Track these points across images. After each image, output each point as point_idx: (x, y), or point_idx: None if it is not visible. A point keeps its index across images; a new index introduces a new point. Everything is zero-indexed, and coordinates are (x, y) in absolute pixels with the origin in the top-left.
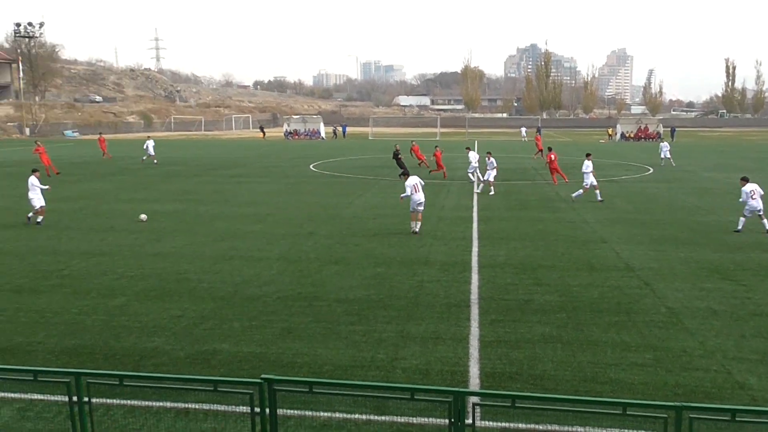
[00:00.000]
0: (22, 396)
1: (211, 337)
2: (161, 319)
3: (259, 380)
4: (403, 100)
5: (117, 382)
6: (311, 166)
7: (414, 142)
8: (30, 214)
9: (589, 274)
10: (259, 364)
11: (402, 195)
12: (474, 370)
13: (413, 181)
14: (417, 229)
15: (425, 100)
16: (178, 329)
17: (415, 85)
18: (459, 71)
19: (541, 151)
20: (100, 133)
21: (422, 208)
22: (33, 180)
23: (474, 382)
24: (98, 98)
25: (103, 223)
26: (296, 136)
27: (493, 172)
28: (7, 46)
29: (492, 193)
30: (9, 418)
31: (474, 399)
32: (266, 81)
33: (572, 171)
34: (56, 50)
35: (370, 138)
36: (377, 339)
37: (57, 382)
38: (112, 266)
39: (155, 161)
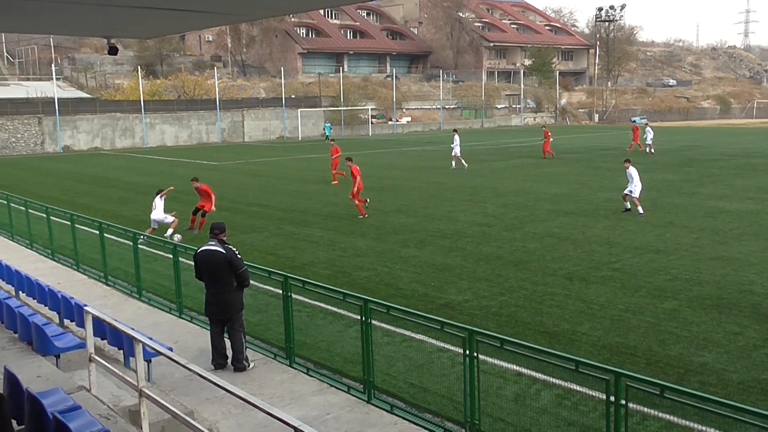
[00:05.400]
0: (562, 383)
1: None
2: (714, 333)
3: None
4: None
5: (657, 392)
6: None
7: None
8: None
9: None
10: None
11: None
12: None
13: None
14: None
15: None
16: (733, 348)
17: None
18: None
19: None
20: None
21: None
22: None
23: None
24: (672, 82)
25: (662, 217)
26: None
27: None
28: (587, 32)
29: None
30: (548, 402)
31: None
32: None
33: None
34: (634, 32)
35: None
36: None
37: (596, 377)
38: (665, 265)
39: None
